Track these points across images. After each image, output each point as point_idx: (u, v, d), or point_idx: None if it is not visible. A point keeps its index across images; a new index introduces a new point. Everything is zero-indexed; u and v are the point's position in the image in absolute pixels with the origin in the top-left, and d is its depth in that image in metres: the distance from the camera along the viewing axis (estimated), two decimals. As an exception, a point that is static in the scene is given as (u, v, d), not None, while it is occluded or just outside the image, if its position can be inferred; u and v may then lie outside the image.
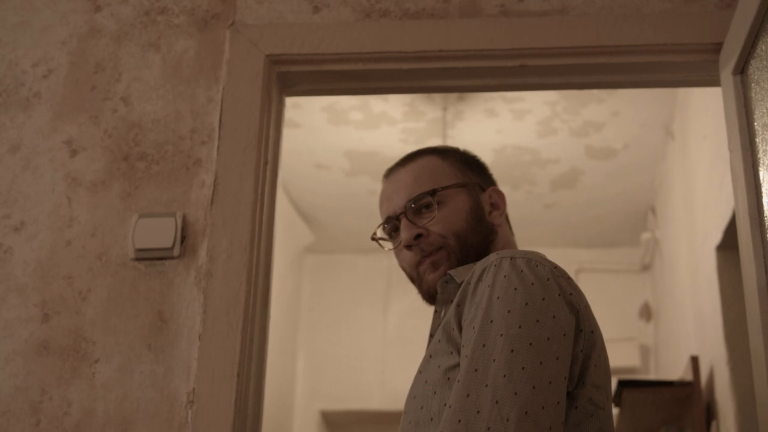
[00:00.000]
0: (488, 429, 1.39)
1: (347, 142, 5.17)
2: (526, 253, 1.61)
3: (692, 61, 2.28)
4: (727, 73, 2.12)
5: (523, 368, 1.44)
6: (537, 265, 1.56)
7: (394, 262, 6.35)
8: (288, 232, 5.62)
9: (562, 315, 1.52)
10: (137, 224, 2.19)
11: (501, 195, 1.90)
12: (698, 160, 4.01)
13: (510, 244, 1.88)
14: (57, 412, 2.05)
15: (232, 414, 1.99)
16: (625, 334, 5.63)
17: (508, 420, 1.39)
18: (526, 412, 1.40)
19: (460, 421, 1.41)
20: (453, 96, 4.74)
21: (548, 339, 1.49)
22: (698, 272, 4.00)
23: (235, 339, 2.05)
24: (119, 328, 2.11)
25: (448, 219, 1.80)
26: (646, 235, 5.47)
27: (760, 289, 1.89)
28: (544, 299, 1.53)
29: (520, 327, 1.48)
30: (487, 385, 1.43)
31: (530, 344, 1.47)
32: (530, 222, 5.82)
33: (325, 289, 6.13)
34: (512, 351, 1.46)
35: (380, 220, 1.86)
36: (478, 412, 1.41)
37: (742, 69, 2.05)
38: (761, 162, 1.93)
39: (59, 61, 2.38)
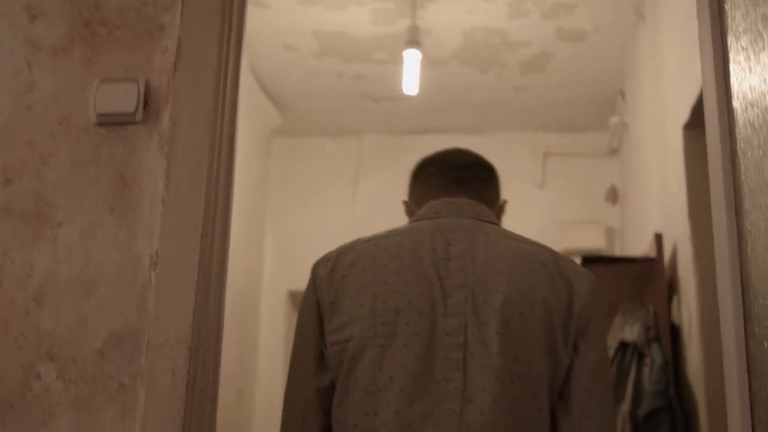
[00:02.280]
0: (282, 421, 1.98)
1: (316, 22, 5.11)
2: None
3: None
4: (696, -62, 2.09)
5: (289, 362, 2.01)
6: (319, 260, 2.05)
7: (363, 145, 6.38)
8: (256, 115, 5.58)
9: (306, 295, 2.01)
10: (99, 89, 2.16)
11: (409, 189, 2.24)
12: (669, 42, 3.99)
13: None
14: (20, 275, 2.05)
15: (196, 275, 1.99)
16: (592, 217, 5.68)
17: None
18: (285, 395, 1.98)
19: None
20: (423, -25, 4.67)
21: (297, 323, 2.01)
22: (665, 152, 4.02)
23: (198, 203, 2.04)
24: (81, 193, 2.10)
25: None
26: (614, 119, 5.48)
27: (725, 166, 1.88)
28: (306, 290, 2.02)
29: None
30: None
31: (294, 337, 2.01)
32: (499, 105, 5.81)
33: (294, 172, 6.11)
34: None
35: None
36: None
37: (712, -67, 2.02)
38: (730, 28, 1.91)
39: None
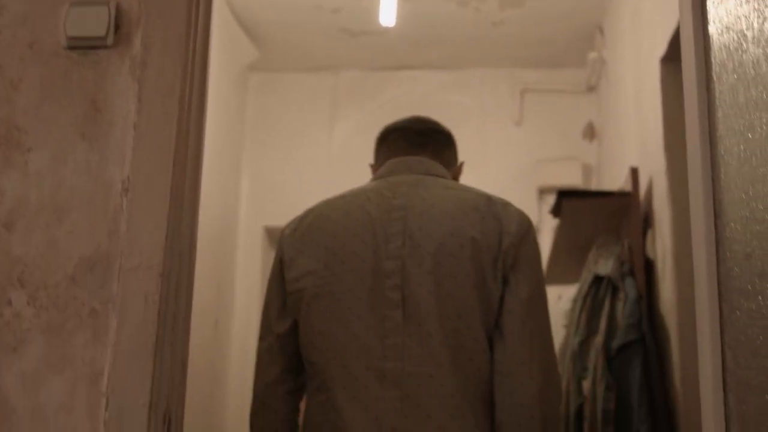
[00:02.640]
0: None
1: (293, -46, 5.04)
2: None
3: None
4: None
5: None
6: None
7: (340, 80, 6.29)
8: (231, 49, 5.52)
9: (275, 253, 2.31)
10: (69, 12, 2.13)
11: (375, 153, 2.46)
12: (647, -26, 3.96)
13: None
14: (-11, 200, 2.03)
15: (168, 201, 1.98)
16: (569, 154, 5.68)
17: None
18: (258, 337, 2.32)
19: None
20: None
21: (269, 277, 2.30)
22: (642, 86, 4.00)
23: (170, 128, 2.02)
24: (52, 118, 2.07)
25: None
26: (592, 55, 5.44)
27: (700, 91, 1.87)
28: (276, 249, 2.32)
29: None
30: None
31: (266, 287, 2.32)
32: (477, 41, 5.76)
33: (270, 108, 6.06)
34: None
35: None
36: None
37: None
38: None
39: None
